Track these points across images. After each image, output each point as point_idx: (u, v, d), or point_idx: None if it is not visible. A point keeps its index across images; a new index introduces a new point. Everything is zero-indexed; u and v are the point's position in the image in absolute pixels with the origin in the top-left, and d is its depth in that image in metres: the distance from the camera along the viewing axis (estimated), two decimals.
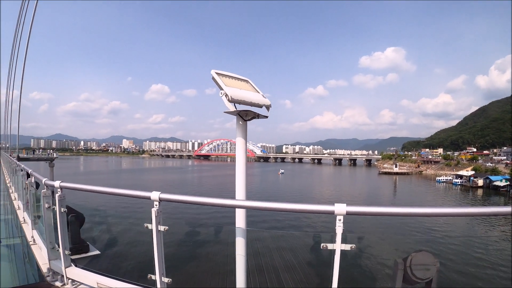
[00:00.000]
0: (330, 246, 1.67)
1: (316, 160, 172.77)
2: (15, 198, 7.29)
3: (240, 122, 2.49)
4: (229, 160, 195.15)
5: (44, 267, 3.15)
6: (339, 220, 1.64)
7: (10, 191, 8.77)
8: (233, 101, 2.31)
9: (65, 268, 2.83)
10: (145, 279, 2.21)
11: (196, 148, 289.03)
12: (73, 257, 3.02)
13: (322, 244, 1.69)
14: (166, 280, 2.15)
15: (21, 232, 4.87)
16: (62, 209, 2.82)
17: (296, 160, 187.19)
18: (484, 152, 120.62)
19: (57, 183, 2.81)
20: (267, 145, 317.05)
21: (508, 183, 50.43)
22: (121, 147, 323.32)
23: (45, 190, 3.03)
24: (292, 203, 1.77)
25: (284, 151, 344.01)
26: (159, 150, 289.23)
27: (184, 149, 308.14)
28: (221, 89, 2.33)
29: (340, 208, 1.62)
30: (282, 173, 76.80)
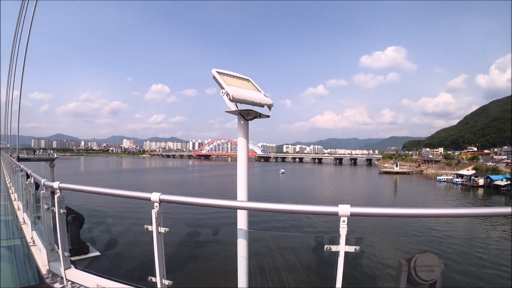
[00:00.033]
0: (334, 248, 1.65)
1: (316, 160, 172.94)
2: (15, 199, 7.27)
3: (242, 122, 2.45)
4: (229, 160, 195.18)
5: (43, 269, 3.12)
6: (343, 221, 1.62)
7: (10, 191, 8.75)
8: (234, 100, 2.27)
9: (65, 269, 2.80)
10: (145, 281, 2.18)
11: (196, 148, 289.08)
12: (73, 258, 2.99)
13: (326, 246, 1.67)
14: (166, 282, 2.12)
15: (21, 233, 4.85)
16: (61, 210, 2.79)
17: (297, 159, 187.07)
18: (485, 151, 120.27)
19: (56, 184, 2.78)
20: (268, 144, 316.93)
21: (508, 182, 50.31)
22: (121, 147, 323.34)
23: (44, 191, 3.01)
24: (295, 204, 1.75)
25: (284, 150, 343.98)
26: (159, 150, 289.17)
27: (184, 149, 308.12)
28: (222, 88, 2.29)
29: (344, 209, 1.60)
30: (283, 172, 76.91)
